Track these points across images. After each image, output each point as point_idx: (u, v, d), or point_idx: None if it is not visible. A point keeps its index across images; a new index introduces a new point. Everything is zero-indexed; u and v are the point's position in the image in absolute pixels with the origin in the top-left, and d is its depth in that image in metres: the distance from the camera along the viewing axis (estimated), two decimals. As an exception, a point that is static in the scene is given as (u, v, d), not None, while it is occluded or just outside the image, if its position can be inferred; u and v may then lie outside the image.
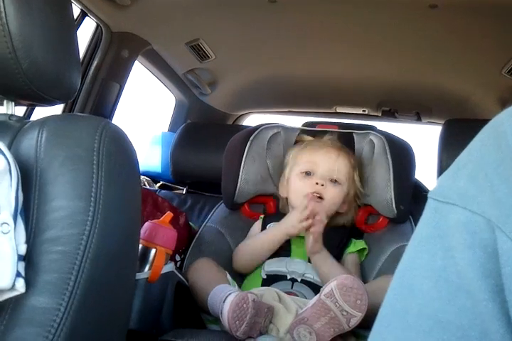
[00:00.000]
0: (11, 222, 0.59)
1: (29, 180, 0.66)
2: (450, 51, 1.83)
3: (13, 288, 0.58)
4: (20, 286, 0.59)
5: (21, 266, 0.59)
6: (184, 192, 2.01)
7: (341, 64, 2.08)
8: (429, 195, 0.41)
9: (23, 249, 0.61)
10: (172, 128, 2.33)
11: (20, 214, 0.62)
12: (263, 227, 1.40)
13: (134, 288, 0.85)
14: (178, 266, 1.39)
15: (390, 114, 2.40)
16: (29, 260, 0.61)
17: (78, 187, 0.66)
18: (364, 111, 2.44)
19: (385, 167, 1.35)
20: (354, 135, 1.51)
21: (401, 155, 1.37)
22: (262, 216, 1.44)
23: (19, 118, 0.80)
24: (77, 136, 0.70)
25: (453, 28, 1.66)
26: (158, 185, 2.14)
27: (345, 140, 1.50)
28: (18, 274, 0.58)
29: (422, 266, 0.39)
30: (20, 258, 0.60)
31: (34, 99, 0.80)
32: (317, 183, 1.32)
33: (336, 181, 1.35)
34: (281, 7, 1.63)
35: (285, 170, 1.44)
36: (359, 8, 1.61)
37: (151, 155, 2.09)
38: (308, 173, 1.36)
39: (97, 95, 1.73)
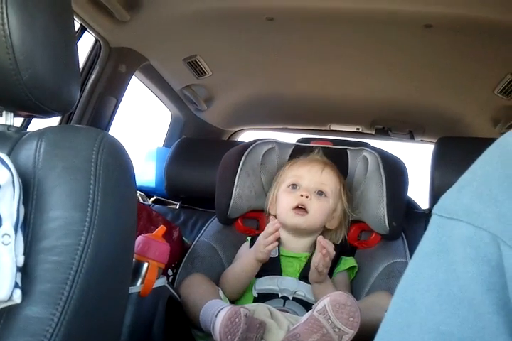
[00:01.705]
0: (12, 233, 0.60)
1: (27, 190, 0.66)
2: (444, 71, 1.86)
3: (10, 298, 0.58)
4: (17, 297, 0.58)
5: (19, 277, 0.59)
6: (178, 207, 2.01)
7: (336, 82, 2.10)
8: (433, 212, 0.42)
9: (21, 261, 0.61)
10: (167, 143, 2.34)
11: (20, 225, 0.62)
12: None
13: (127, 300, 0.84)
14: (170, 280, 1.38)
15: (384, 132, 2.42)
16: (25, 270, 0.61)
17: (75, 197, 0.66)
18: (358, 129, 2.47)
19: (379, 183, 1.36)
20: (348, 151, 1.52)
21: (394, 172, 1.39)
22: (249, 238, 1.43)
23: (17, 129, 0.80)
24: (75, 147, 0.71)
25: (447, 47, 1.69)
26: (151, 199, 2.14)
27: (339, 156, 1.52)
28: (15, 285, 0.58)
29: (425, 280, 0.39)
30: (18, 269, 0.60)
31: (33, 110, 0.81)
32: (302, 195, 1.33)
33: (322, 193, 1.35)
34: (279, 25, 1.66)
35: (274, 188, 1.45)
36: (355, 27, 1.63)
37: (145, 169, 2.09)
38: (294, 187, 1.37)
39: (93, 109, 1.74)
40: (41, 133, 0.74)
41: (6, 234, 0.59)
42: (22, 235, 0.62)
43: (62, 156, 0.70)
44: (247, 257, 1.29)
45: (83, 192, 0.67)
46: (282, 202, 1.38)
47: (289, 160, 1.51)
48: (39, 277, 0.61)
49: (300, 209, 1.32)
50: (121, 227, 0.72)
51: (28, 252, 0.62)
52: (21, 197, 0.63)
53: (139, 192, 2.09)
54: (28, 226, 0.64)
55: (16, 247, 0.61)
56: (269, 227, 1.24)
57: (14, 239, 0.60)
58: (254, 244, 1.28)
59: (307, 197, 1.32)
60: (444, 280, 0.38)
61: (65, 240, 0.63)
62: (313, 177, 1.36)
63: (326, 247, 1.18)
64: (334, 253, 1.21)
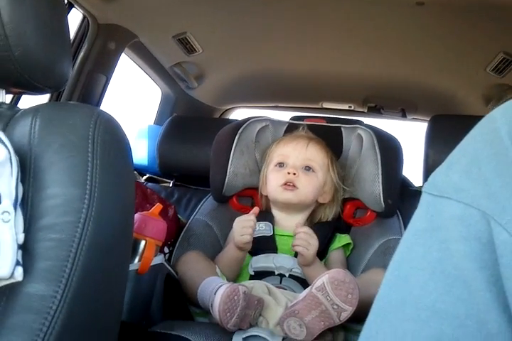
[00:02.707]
0: (11, 210, 0.59)
1: (23, 167, 0.65)
2: (436, 48, 1.85)
3: (11, 276, 0.57)
4: (19, 275, 0.58)
5: (19, 255, 0.59)
6: (171, 185, 2.00)
7: (328, 59, 2.08)
8: (423, 190, 0.42)
9: (21, 238, 0.60)
10: (158, 121, 2.31)
11: (19, 203, 0.61)
12: None
13: (127, 277, 0.84)
14: (166, 258, 1.38)
15: (376, 110, 2.42)
16: (25, 247, 0.60)
17: (73, 174, 0.65)
18: (350, 106, 2.46)
19: (374, 161, 1.36)
20: (342, 129, 1.52)
21: (389, 149, 1.38)
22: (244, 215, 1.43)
23: (10, 106, 0.79)
24: (71, 123, 0.69)
25: (439, 25, 1.68)
26: (144, 177, 2.12)
27: (333, 134, 1.51)
28: (17, 263, 0.58)
29: (418, 259, 0.40)
30: (19, 247, 0.59)
31: (25, 87, 0.79)
32: (289, 173, 1.33)
33: (309, 169, 1.36)
34: (270, 1, 1.63)
35: (262, 169, 1.45)
36: (347, 5, 1.62)
37: (137, 148, 2.07)
38: (281, 165, 1.37)
39: (83, 87, 1.72)
40: (36, 110, 0.73)
41: (5, 211, 0.58)
42: (21, 213, 0.61)
43: (58, 133, 0.69)
44: (229, 250, 1.29)
45: (81, 169, 0.66)
46: (271, 181, 1.38)
47: (282, 138, 1.51)
48: (40, 255, 0.60)
49: (289, 185, 1.32)
50: (120, 203, 0.71)
51: (27, 230, 0.62)
52: (19, 175, 0.62)
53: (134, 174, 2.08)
54: (27, 204, 0.63)
55: (16, 225, 0.60)
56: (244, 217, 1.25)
57: (14, 216, 0.59)
58: (232, 232, 1.28)
59: (294, 174, 1.32)
60: (437, 258, 0.38)
61: (65, 217, 0.63)
62: (299, 154, 1.36)
63: (303, 230, 1.22)
64: (309, 232, 1.22)
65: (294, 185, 1.32)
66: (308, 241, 1.20)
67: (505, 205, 0.35)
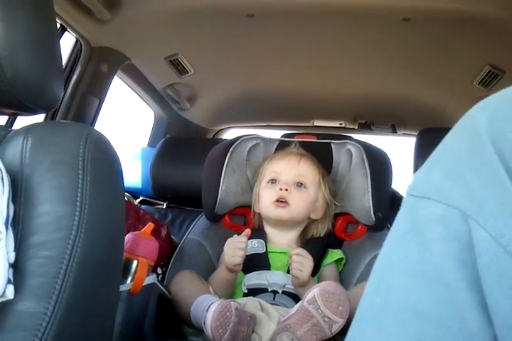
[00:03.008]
0: (3, 229, 0.59)
1: (15, 186, 0.66)
2: (423, 63, 1.88)
3: (3, 295, 0.58)
4: (10, 293, 0.58)
5: (11, 273, 0.59)
6: (164, 207, 2.01)
7: (318, 78, 2.11)
8: (406, 191, 0.42)
9: (12, 257, 0.60)
10: (151, 143, 2.33)
11: (10, 222, 0.62)
12: None
13: (119, 295, 0.85)
14: (159, 279, 1.38)
15: (366, 126, 2.45)
16: (16, 265, 0.61)
17: (64, 192, 0.66)
18: (341, 124, 2.49)
19: (363, 175, 1.38)
20: (332, 145, 1.54)
21: (378, 163, 1.40)
22: (236, 235, 1.43)
23: (2, 127, 0.80)
24: (62, 142, 0.71)
25: (426, 40, 1.71)
26: (138, 200, 2.13)
27: (324, 150, 1.53)
28: (8, 281, 0.58)
29: (399, 261, 0.40)
30: (10, 265, 0.60)
31: (17, 107, 0.81)
32: (281, 189, 1.34)
33: (301, 185, 1.37)
34: (259, 22, 1.66)
35: (255, 186, 1.47)
36: (334, 23, 1.65)
37: (130, 170, 2.09)
38: (273, 182, 1.39)
39: (76, 109, 1.73)
40: (27, 130, 0.74)
41: None
42: (12, 232, 0.62)
43: (49, 152, 0.70)
44: (220, 271, 1.29)
45: (72, 187, 0.67)
46: (263, 197, 1.39)
47: (274, 155, 1.52)
48: (31, 272, 0.61)
49: (281, 201, 1.33)
50: (111, 221, 0.72)
51: (18, 248, 0.62)
52: (11, 194, 0.63)
53: (125, 193, 2.09)
54: (18, 222, 0.64)
55: (8, 244, 0.60)
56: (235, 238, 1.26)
57: (5, 235, 0.60)
58: (224, 253, 1.28)
59: (286, 189, 1.34)
60: (418, 259, 0.38)
61: (55, 234, 0.63)
62: (290, 170, 1.38)
63: (297, 252, 1.22)
64: (303, 254, 1.23)
65: (286, 202, 1.33)
66: (302, 263, 1.21)
67: (483, 204, 0.36)
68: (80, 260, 0.64)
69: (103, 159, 0.75)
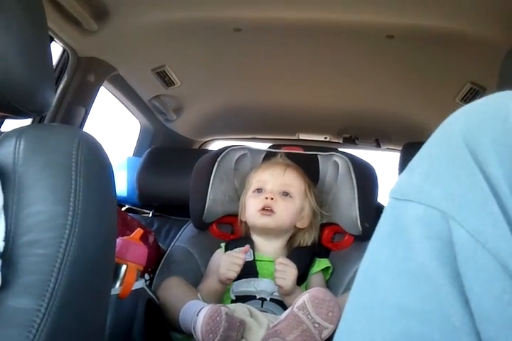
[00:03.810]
0: None
1: (7, 185, 0.66)
2: (407, 79, 1.92)
3: None
4: None
5: None
6: (150, 216, 2.00)
7: (303, 92, 2.14)
8: (388, 195, 0.44)
9: (0, 246, 0.61)
10: (137, 153, 2.34)
11: (1, 212, 0.62)
12: None
13: (110, 294, 0.84)
14: (147, 285, 1.37)
15: (351, 140, 2.48)
16: (9, 263, 0.61)
17: (57, 192, 0.67)
18: (326, 138, 2.52)
19: (350, 186, 1.39)
20: (318, 157, 1.55)
21: (364, 174, 1.42)
22: (223, 244, 1.44)
23: (-6, 130, 0.80)
24: (55, 143, 0.71)
25: (408, 57, 1.75)
26: (123, 209, 2.12)
27: (310, 162, 1.54)
28: None
29: (384, 260, 0.41)
30: None
31: (7, 110, 0.81)
32: (266, 198, 1.35)
33: (287, 194, 1.38)
34: (246, 36, 1.69)
35: (242, 196, 1.48)
36: (319, 38, 1.68)
37: (116, 179, 2.08)
38: (259, 191, 1.40)
39: (62, 118, 1.73)
40: (20, 132, 0.74)
41: None
42: (4, 222, 0.62)
43: (42, 153, 0.70)
44: (212, 280, 1.29)
45: (65, 187, 0.67)
46: (249, 206, 1.40)
47: (261, 165, 1.53)
48: (24, 269, 0.61)
49: (266, 210, 1.34)
50: (103, 220, 0.72)
51: (11, 246, 0.62)
52: None
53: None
54: (11, 221, 0.64)
55: None
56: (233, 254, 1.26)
57: None
58: (211, 260, 1.29)
59: (272, 198, 1.35)
60: (402, 258, 0.40)
61: (49, 233, 0.64)
62: (276, 179, 1.39)
63: (280, 261, 1.24)
64: (285, 262, 1.24)
65: (271, 210, 1.34)
66: (285, 271, 1.22)
67: (461, 204, 0.38)
68: (74, 258, 0.64)
69: (95, 161, 0.75)
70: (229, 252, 1.29)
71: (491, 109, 0.41)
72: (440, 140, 0.42)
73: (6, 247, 0.63)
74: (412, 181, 0.42)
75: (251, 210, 1.38)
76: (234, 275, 1.22)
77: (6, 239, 0.62)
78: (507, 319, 0.35)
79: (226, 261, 1.24)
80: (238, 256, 1.24)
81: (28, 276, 0.60)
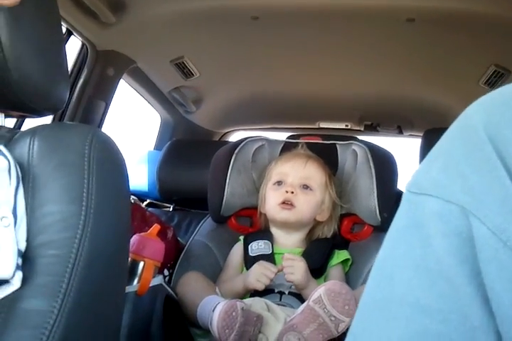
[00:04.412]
0: (10, 216, 0.61)
1: (23, 186, 0.67)
2: (429, 64, 1.88)
3: (11, 280, 0.59)
4: (18, 280, 0.60)
5: (20, 261, 0.61)
6: (171, 210, 2.02)
7: (323, 80, 2.12)
8: (405, 188, 0.43)
9: (23, 246, 0.62)
10: (158, 146, 2.35)
11: (23, 212, 0.64)
12: (245, 247, 1.39)
13: (125, 294, 0.85)
14: (166, 280, 1.38)
15: (372, 128, 2.45)
16: (25, 263, 0.62)
17: (70, 191, 0.67)
18: (347, 125, 2.49)
19: (368, 175, 1.38)
20: (337, 146, 1.54)
21: (383, 163, 1.40)
22: (242, 237, 1.43)
23: (9, 130, 0.81)
24: (68, 142, 0.72)
25: (430, 41, 1.71)
26: (145, 203, 2.14)
27: (329, 151, 1.53)
28: (17, 267, 0.59)
29: (401, 256, 0.40)
30: (20, 253, 0.61)
31: (24, 109, 0.82)
32: (287, 191, 1.34)
33: (307, 187, 1.37)
34: (264, 24, 1.67)
35: (262, 187, 1.47)
36: (339, 24, 1.66)
37: (137, 174, 2.10)
38: (279, 183, 1.38)
39: (83, 113, 1.75)
40: (33, 131, 0.75)
41: (3, 216, 0.61)
42: (26, 223, 0.63)
43: (55, 152, 0.71)
44: (237, 284, 1.27)
45: (77, 186, 0.68)
46: (269, 199, 1.39)
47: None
48: (39, 271, 0.62)
49: (287, 204, 1.34)
50: (116, 220, 0.73)
51: (27, 247, 0.63)
52: (20, 186, 0.64)
53: (132, 197, 2.10)
54: (27, 221, 0.65)
55: (20, 233, 0.62)
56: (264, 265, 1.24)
57: (14, 222, 0.61)
58: (249, 272, 1.26)
59: (292, 192, 1.34)
60: (420, 255, 0.39)
61: (62, 234, 0.64)
62: (296, 172, 1.38)
63: (287, 257, 1.22)
64: (290, 257, 1.23)
65: (291, 204, 1.33)
66: (292, 266, 1.21)
67: (482, 199, 0.36)
68: (87, 259, 0.64)
69: (108, 159, 0.76)
70: (262, 262, 1.25)
71: None
72: (460, 132, 0.41)
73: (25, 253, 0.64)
74: (430, 174, 0.40)
75: (271, 203, 1.38)
76: (262, 287, 1.20)
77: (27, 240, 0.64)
78: None
79: (257, 271, 1.22)
80: (270, 269, 1.22)
81: (42, 277, 0.61)
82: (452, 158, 0.40)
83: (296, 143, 1.52)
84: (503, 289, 0.35)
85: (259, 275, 1.21)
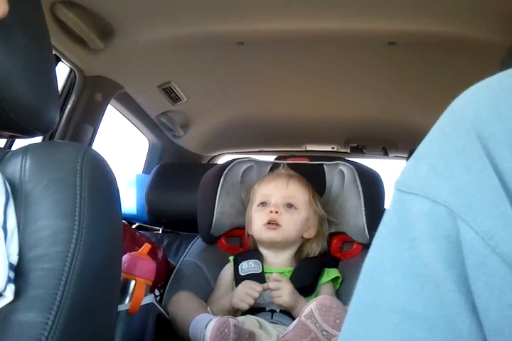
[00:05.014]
0: (0, 231, 0.61)
1: (15, 202, 0.68)
2: (412, 86, 1.92)
3: (3, 293, 0.59)
4: (10, 292, 0.60)
5: (12, 274, 0.61)
6: (160, 232, 2.02)
7: (309, 103, 2.15)
8: (394, 186, 0.41)
9: (15, 259, 0.62)
10: (146, 170, 2.36)
11: (13, 227, 0.65)
12: (235, 267, 1.40)
13: (117, 308, 0.85)
14: (157, 300, 1.38)
15: (358, 150, 2.48)
16: (18, 277, 0.62)
17: (62, 207, 0.68)
18: (333, 148, 2.52)
19: (356, 194, 1.40)
20: (324, 166, 1.56)
21: (370, 182, 1.42)
22: (232, 257, 1.44)
23: (0, 149, 0.82)
24: (59, 159, 0.73)
25: (413, 63, 1.75)
26: (134, 226, 2.14)
27: (316, 172, 1.55)
28: (8, 279, 0.60)
29: (390, 259, 0.39)
30: (12, 267, 0.62)
31: (15, 129, 0.83)
32: (271, 211, 1.35)
33: (291, 206, 1.38)
34: (249, 49, 1.71)
35: (247, 209, 1.48)
36: (322, 48, 1.69)
37: (126, 197, 2.10)
38: (263, 204, 1.40)
39: (71, 137, 1.76)
40: (25, 150, 0.76)
41: None
42: (17, 237, 0.64)
43: (47, 169, 0.72)
44: (225, 303, 1.27)
45: (69, 202, 0.69)
46: (255, 220, 1.41)
47: (267, 177, 1.54)
48: (32, 284, 0.62)
49: (272, 224, 1.35)
50: (108, 235, 0.73)
51: (20, 261, 0.64)
52: (9, 202, 0.65)
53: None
54: (19, 236, 0.66)
55: (11, 247, 0.63)
56: (256, 286, 1.24)
57: (4, 236, 0.62)
58: (234, 291, 1.27)
59: (277, 212, 1.35)
60: (407, 258, 0.37)
61: (54, 248, 0.65)
62: (279, 192, 1.39)
63: (273, 277, 1.24)
64: (276, 278, 1.24)
65: (277, 223, 1.35)
66: (279, 288, 1.22)
67: (471, 202, 0.34)
68: (80, 272, 0.65)
69: (100, 176, 0.77)
70: (247, 282, 1.27)
71: (504, 92, 0.37)
72: (449, 128, 0.38)
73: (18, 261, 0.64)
74: (418, 172, 0.38)
75: (257, 224, 1.39)
76: (246, 306, 1.21)
77: (19, 254, 0.64)
78: None
79: (241, 292, 1.23)
80: (255, 288, 1.23)
81: (36, 290, 0.62)
82: (441, 155, 0.37)
83: (279, 164, 1.54)
84: (491, 297, 0.33)
85: (243, 295, 1.22)
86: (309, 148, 2.55)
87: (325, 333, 0.98)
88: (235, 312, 1.26)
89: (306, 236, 1.41)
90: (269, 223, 1.35)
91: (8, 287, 0.60)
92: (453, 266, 0.35)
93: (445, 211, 0.35)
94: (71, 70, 1.75)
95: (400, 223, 0.39)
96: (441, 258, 0.35)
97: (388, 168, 2.68)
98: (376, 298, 0.39)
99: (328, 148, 2.54)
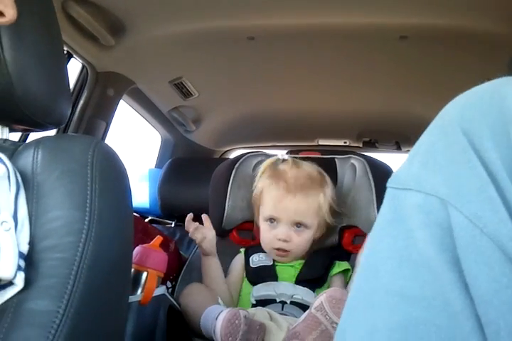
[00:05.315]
0: (10, 220, 0.63)
1: (27, 193, 0.69)
2: (424, 80, 1.91)
3: (14, 280, 0.60)
4: (21, 280, 0.61)
5: (22, 263, 0.62)
6: (173, 226, 2.03)
7: (321, 97, 2.15)
8: (387, 185, 0.45)
9: (25, 249, 0.64)
10: (159, 164, 2.38)
11: (24, 216, 0.66)
12: (246, 259, 1.40)
13: (128, 299, 0.86)
14: (169, 292, 1.39)
15: (371, 144, 2.47)
16: (30, 267, 0.64)
17: (74, 198, 0.69)
18: (345, 142, 2.52)
19: (368, 188, 1.40)
20: (336, 160, 1.56)
21: (382, 175, 1.42)
22: (243, 249, 1.44)
23: (13, 142, 0.84)
24: (71, 152, 0.74)
25: (424, 57, 1.74)
26: (147, 220, 2.16)
27: (328, 165, 1.55)
28: (18, 268, 0.61)
29: (386, 249, 0.42)
30: (22, 255, 0.63)
31: (28, 123, 0.85)
32: (279, 239, 1.32)
33: (300, 225, 1.33)
34: (260, 44, 1.71)
35: (255, 210, 1.43)
36: (334, 42, 1.69)
37: (138, 191, 2.12)
38: (271, 221, 1.35)
39: (84, 132, 1.78)
40: (38, 142, 0.77)
41: (4, 221, 0.62)
42: (28, 227, 0.65)
43: (59, 161, 0.73)
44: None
45: (81, 193, 0.70)
46: (264, 237, 1.37)
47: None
48: (44, 273, 0.64)
49: (281, 251, 1.33)
50: (119, 225, 0.74)
51: (32, 251, 0.65)
52: (20, 192, 0.67)
53: (134, 214, 2.11)
54: (31, 227, 0.67)
55: (22, 236, 0.64)
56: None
57: (14, 226, 0.63)
58: (231, 264, 1.33)
59: (285, 240, 1.32)
60: (403, 246, 0.41)
61: (66, 238, 0.66)
62: (288, 212, 1.32)
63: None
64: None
65: (286, 250, 1.33)
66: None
67: (459, 190, 0.39)
68: (91, 262, 0.66)
69: (111, 168, 0.78)
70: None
71: (486, 95, 0.42)
72: (437, 128, 0.44)
73: (29, 251, 0.66)
74: (411, 170, 0.43)
75: (266, 243, 1.36)
76: (199, 238, 1.33)
77: (30, 243, 0.66)
78: (506, 301, 0.36)
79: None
80: (187, 225, 1.35)
81: (48, 279, 0.63)
82: (431, 152, 0.42)
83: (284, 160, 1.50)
84: (480, 273, 0.37)
85: (191, 234, 1.34)
86: (321, 142, 2.55)
87: (335, 325, 0.98)
88: (215, 266, 1.35)
89: (315, 237, 1.40)
90: (278, 249, 1.33)
91: (18, 275, 0.61)
92: (446, 250, 0.39)
93: (437, 201, 0.40)
94: (83, 66, 1.77)
95: (394, 216, 0.43)
96: (434, 243, 0.39)
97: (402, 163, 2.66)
98: (374, 284, 0.42)
99: (341, 143, 2.53)
